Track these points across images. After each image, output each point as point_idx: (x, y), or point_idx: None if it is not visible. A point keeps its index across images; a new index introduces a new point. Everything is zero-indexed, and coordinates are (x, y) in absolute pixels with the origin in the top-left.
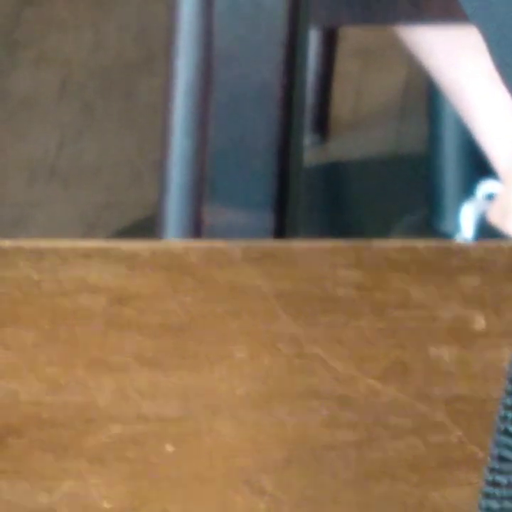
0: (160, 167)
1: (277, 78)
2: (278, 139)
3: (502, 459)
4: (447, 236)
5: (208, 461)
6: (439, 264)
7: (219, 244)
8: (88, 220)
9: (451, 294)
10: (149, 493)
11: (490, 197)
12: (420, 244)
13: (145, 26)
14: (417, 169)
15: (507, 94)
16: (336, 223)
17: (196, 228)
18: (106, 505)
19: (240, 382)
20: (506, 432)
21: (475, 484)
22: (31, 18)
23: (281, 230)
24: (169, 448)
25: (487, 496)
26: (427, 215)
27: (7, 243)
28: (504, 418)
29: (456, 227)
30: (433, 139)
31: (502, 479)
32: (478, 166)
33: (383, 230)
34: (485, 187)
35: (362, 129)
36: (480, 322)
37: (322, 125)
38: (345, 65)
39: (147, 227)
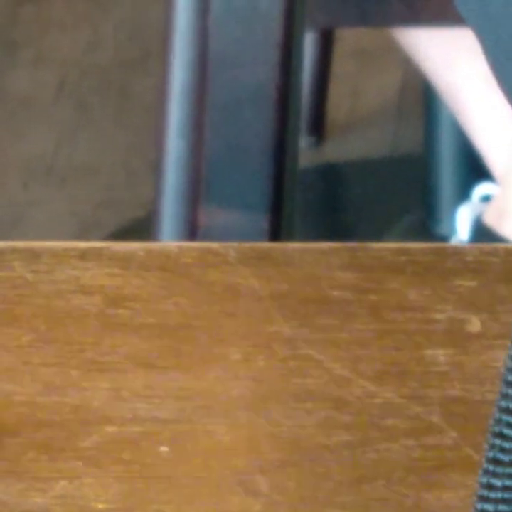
0: (155, 168)
1: (273, 79)
2: (274, 141)
3: (496, 461)
4: (443, 238)
5: (202, 462)
6: (435, 266)
7: (214, 245)
8: (84, 219)
9: (447, 296)
10: (144, 493)
11: (486, 199)
12: (416, 246)
13: (142, 26)
14: (413, 171)
15: (502, 97)
16: (332, 225)
17: (192, 229)
18: (100, 505)
19: (234, 384)
20: (500, 435)
21: (470, 486)
22: (29, 18)
23: (276, 232)
24: (164, 449)
25: (481, 498)
26: (423, 217)
27: (2, 244)
28: (498, 420)
29: (452, 229)
30: (429, 140)
31: (496, 482)
32: (474, 168)
33: (379, 232)
34: (481, 189)
35: (358, 130)
36: (475, 324)
37: (318, 126)
38: (341, 66)
39: (144, 226)
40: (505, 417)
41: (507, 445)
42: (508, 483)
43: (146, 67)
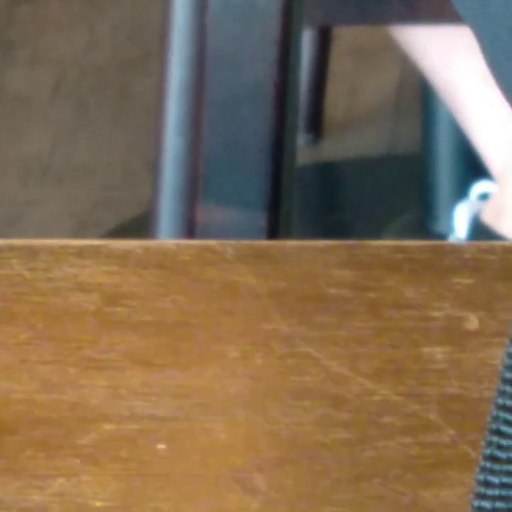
0: (153, 166)
1: (271, 77)
2: (271, 138)
3: (493, 458)
4: (441, 236)
5: (200, 459)
6: (432, 263)
7: (212, 243)
8: (82, 218)
9: (444, 293)
10: (141, 491)
11: (483, 197)
12: (413, 244)
13: (139, 26)
14: (411, 169)
15: (500, 95)
16: (330, 223)
17: (190, 227)
18: (98, 503)
19: (232, 381)
20: (498, 432)
21: (467, 484)
22: (25, 18)
23: (274, 229)
24: (161, 446)
25: (479, 495)
26: (421, 215)
27: None
28: (496, 417)
29: (450, 227)
30: (427, 138)
31: (493, 479)
32: (471, 166)
33: (377, 230)
34: (478, 187)
35: (356, 128)
36: (473, 322)
37: (316, 124)
38: (339, 64)
39: (141, 225)
40: (502, 414)
41: (504, 442)
42: (505, 480)
43: (145, 67)
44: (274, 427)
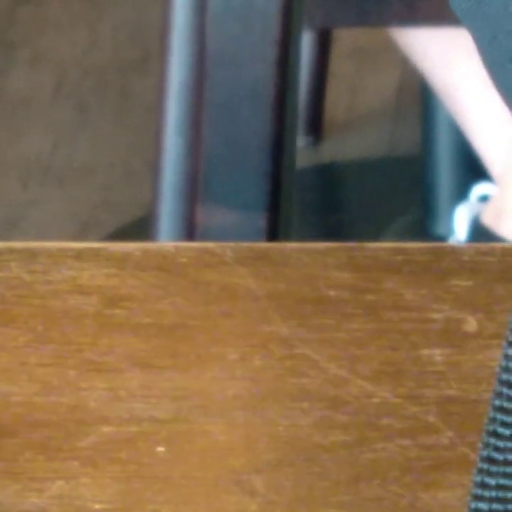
0: (153, 167)
1: (270, 78)
2: (271, 139)
3: (491, 460)
4: (441, 238)
5: (199, 461)
6: (431, 265)
7: (211, 245)
8: (83, 219)
9: (443, 295)
10: (141, 493)
11: (483, 199)
12: (412, 245)
13: (140, 26)
14: (411, 170)
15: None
16: (329, 224)
17: (189, 228)
18: (97, 506)
19: (231, 383)
20: (495, 433)
21: (466, 486)
22: (26, 18)
23: (274, 230)
24: (161, 449)
25: (476, 497)
26: (421, 217)
27: None
28: (493, 419)
29: (450, 229)
30: (427, 140)
31: (490, 481)
32: (471, 168)
33: (376, 232)
34: (478, 189)
35: (356, 130)
36: (472, 324)
37: (316, 126)
38: (339, 66)
39: (142, 226)
40: (499, 416)
41: (501, 444)
42: (502, 481)
43: (145, 67)
44: (273, 429)
